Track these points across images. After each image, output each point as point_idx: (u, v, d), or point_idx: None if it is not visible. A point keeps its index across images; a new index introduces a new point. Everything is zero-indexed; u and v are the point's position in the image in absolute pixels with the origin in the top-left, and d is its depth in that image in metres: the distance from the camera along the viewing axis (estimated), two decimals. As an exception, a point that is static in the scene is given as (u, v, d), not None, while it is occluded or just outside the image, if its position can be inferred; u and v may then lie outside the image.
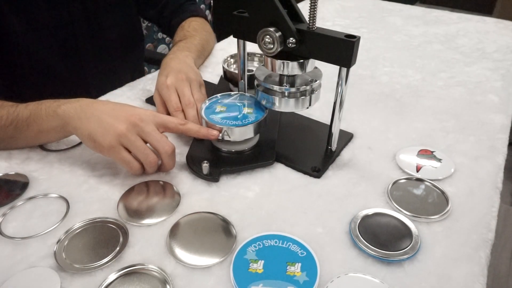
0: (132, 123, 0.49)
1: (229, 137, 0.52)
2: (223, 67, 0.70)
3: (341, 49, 0.46)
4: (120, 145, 0.48)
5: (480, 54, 0.91)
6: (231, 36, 0.96)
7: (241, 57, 0.58)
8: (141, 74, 0.98)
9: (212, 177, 0.51)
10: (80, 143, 0.58)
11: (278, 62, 0.50)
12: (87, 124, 0.49)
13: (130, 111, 0.50)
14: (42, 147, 0.57)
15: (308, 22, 0.47)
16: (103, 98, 0.70)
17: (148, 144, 0.50)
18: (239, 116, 0.54)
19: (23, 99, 0.55)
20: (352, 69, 0.48)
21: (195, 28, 0.85)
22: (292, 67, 0.50)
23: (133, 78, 0.78)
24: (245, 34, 0.54)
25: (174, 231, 0.44)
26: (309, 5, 0.46)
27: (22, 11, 0.66)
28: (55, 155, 0.56)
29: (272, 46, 0.48)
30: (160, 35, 1.76)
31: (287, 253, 0.41)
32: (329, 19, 1.13)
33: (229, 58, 0.74)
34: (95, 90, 0.73)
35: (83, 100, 0.52)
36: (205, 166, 0.51)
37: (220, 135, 0.52)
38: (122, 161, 0.49)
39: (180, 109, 0.59)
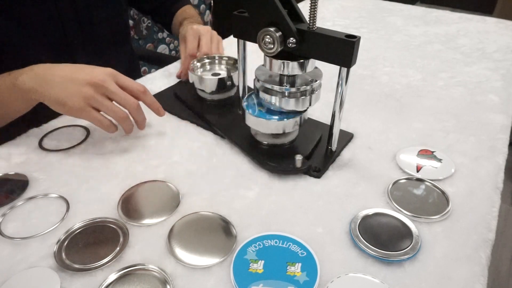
0: (96, 85, 0.53)
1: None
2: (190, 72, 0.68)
3: (342, 49, 0.46)
4: (90, 107, 0.52)
5: (480, 54, 0.91)
6: (231, 36, 0.96)
7: (241, 58, 0.58)
8: (137, 70, 0.98)
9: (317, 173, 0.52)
10: (80, 143, 0.58)
11: (278, 62, 0.50)
12: (50, 91, 0.52)
13: (90, 73, 0.53)
14: (42, 147, 0.57)
15: (308, 22, 0.47)
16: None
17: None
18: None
19: None
20: (352, 69, 0.48)
21: (194, 13, 0.98)
22: (292, 67, 0.50)
23: (128, 74, 0.77)
24: (245, 34, 0.54)
25: (174, 231, 0.44)
26: (309, 5, 0.46)
27: (8, 8, 0.65)
28: (55, 155, 0.56)
29: (272, 46, 0.48)
30: (160, 35, 1.76)
31: (287, 253, 0.41)
32: (329, 19, 1.13)
33: (195, 62, 0.70)
34: None
35: (37, 67, 0.54)
36: (299, 159, 0.52)
37: None
38: (94, 120, 0.54)
39: (195, 54, 0.72)
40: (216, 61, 0.72)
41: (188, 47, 0.74)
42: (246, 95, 0.58)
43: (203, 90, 0.67)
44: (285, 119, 0.53)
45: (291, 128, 0.54)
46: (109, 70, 0.55)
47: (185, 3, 0.99)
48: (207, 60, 0.72)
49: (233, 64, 0.71)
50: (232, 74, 0.66)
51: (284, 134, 0.55)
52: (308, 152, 0.55)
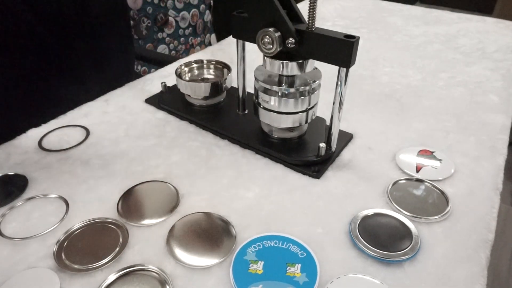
0: None
1: None
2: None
3: (340, 49, 0.46)
4: None
5: (480, 54, 0.91)
6: (231, 36, 0.96)
7: (239, 58, 0.58)
8: (132, 64, 0.97)
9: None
10: (79, 144, 0.58)
11: (277, 63, 0.50)
12: None
13: None
14: (42, 147, 0.57)
15: (307, 22, 0.47)
16: (102, 98, 0.70)
17: None
18: None
19: (17, 75, 0.53)
20: (352, 69, 0.48)
21: None
22: (291, 68, 0.50)
23: (125, 64, 0.76)
24: (244, 34, 0.54)
25: (174, 232, 0.44)
26: (308, 5, 0.46)
27: None
28: (55, 155, 0.56)
29: (271, 47, 0.48)
30: (160, 35, 1.76)
31: (287, 254, 0.41)
32: (329, 19, 1.13)
33: (183, 67, 0.69)
34: (89, 72, 0.71)
35: None
36: (322, 147, 0.53)
37: None
38: None
39: None
40: (205, 66, 0.71)
41: None
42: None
43: (190, 95, 0.65)
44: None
45: (308, 120, 0.56)
46: None
47: None
48: (195, 65, 0.71)
49: (221, 68, 0.70)
50: (225, 77, 0.65)
51: (298, 127, 0.56)
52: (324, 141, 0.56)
